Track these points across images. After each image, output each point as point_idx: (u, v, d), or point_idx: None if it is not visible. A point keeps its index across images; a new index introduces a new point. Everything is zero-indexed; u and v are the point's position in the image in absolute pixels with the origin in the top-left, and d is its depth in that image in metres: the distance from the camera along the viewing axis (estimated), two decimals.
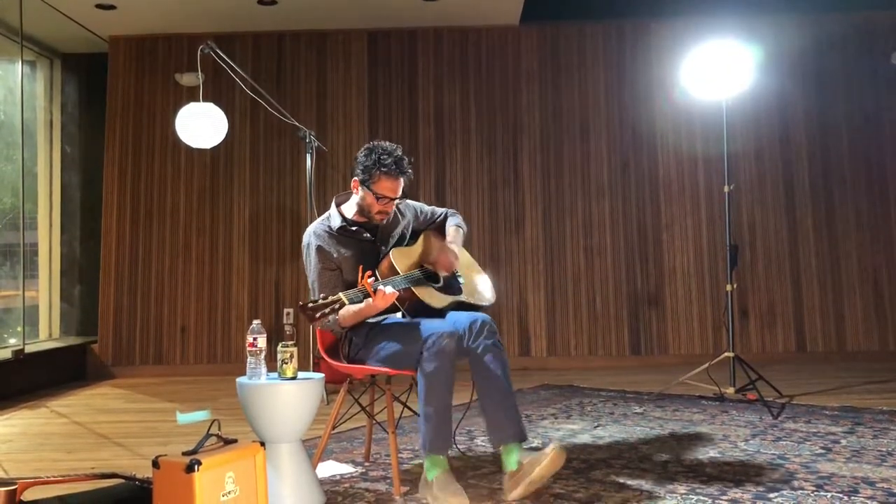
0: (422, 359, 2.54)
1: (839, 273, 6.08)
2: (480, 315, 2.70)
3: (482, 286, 3.04)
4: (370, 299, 2.53)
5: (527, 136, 6.25)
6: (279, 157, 6.24)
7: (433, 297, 2.77)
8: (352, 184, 2.82)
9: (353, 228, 2.84)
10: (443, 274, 2.89)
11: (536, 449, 2.49)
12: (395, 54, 6.34)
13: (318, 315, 2.41)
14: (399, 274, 2.70)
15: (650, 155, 6.20)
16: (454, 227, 3.08)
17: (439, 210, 3.15)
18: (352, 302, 2.49)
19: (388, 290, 2.54)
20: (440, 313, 2.77)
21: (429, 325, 2.61)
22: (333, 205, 2.92)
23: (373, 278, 2.57)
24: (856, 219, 6.12)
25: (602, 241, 6.15)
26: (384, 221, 2.85)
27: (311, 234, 2.85)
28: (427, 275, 2.84)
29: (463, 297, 2.88)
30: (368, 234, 2.86)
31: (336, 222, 2.84)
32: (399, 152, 2.76)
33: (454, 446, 2.76)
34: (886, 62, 6.14)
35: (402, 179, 2.77)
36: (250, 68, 6.11)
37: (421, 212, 3.08)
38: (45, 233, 6.47)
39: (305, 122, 5.82)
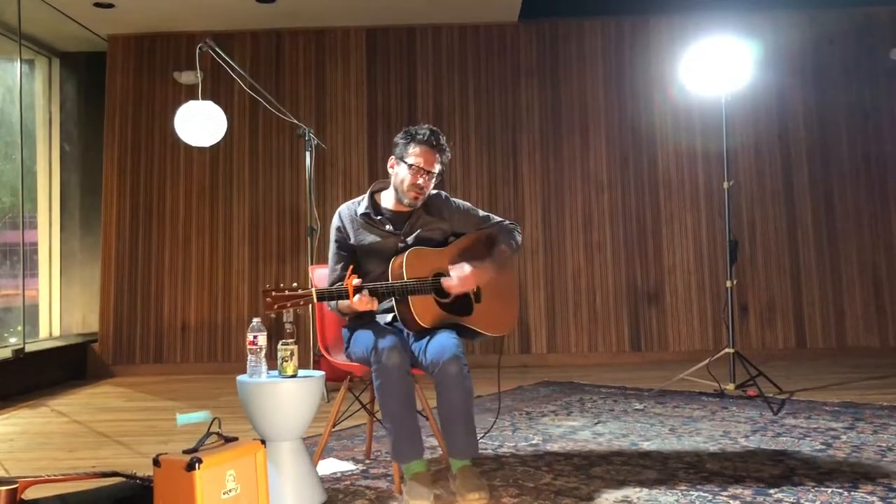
0: (371, 371, 2.54)
1: (839, 268, 6.08)
2: (447, 352, 2.49)
3: (499, 318, 2.79)
4: (348, 301, 2.50)
5: (526, 132, 6.24)
6: (278, 155, 6.24)
7: (428, 311, 2.61)
8: (388, 164, 2.79)
9: (378, 217, 2.79)
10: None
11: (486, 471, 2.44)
12: (394, 52, 6.33)
13: (276, 306, 2.40)
14: (404, 278, 2.59)
15: (649, 151, 6.20)
16: (500, 248, 2.81)
17: (495, 218, 2.92)
18: (321, 299, 2.48)
19: (368, 298, 2.50)
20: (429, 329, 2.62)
21: (380, 340, 2.53)
22: (368, 191, 2.86)
23: (358, 280, 2.50)
24: (855, 214, 6.11)
25: (602, 238, 6.15)
26: (418, 202, 2.75)
27: (339, 212, 2.85)
28: (438, 285, 2.65)
29: (466, 322, 2.70)
30: (391, 227, 2.77)
31: (362, 207, 2.81)
32: (436, 129, 2.76)
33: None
34: (885, 57, 6.13)
35: (437, 155, 2.72)
36: (249, 66, 6.11)
37: (469, 213, 2.91)
38: (44, 232, 6.46)
39: (304, 119, 5.82)
